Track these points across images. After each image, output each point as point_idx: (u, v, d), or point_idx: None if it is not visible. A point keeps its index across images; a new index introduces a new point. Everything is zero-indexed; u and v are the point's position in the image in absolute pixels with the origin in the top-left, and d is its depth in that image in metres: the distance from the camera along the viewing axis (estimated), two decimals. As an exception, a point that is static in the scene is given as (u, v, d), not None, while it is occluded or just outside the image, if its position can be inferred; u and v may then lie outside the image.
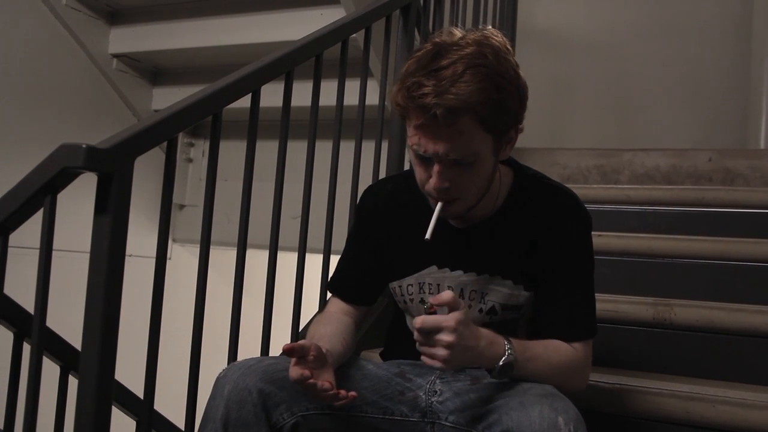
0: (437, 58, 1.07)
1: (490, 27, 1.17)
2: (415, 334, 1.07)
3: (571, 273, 1.22)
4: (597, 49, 3.82)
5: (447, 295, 1.07)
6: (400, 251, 1.30)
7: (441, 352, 1.05)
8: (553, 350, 1.19)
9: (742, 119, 3.46)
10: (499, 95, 1.07)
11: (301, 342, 1.10)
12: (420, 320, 1.06)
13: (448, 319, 1.05)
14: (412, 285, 1.30)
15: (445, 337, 1.04)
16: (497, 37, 1.13)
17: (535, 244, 1.22)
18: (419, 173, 1.16)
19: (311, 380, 1.06)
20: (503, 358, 1.10)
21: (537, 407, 1.03)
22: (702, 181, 2.74)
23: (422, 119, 1.08)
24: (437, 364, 1.06)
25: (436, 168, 1.12)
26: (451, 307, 1.06)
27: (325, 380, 1.08)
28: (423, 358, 1.08)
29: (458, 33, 1.12)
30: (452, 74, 1.05)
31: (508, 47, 1.13)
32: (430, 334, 1.05)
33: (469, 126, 1.07)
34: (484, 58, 1.07)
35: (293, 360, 1.08)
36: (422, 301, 1.29)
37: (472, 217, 1.23)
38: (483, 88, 1.05)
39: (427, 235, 1.12)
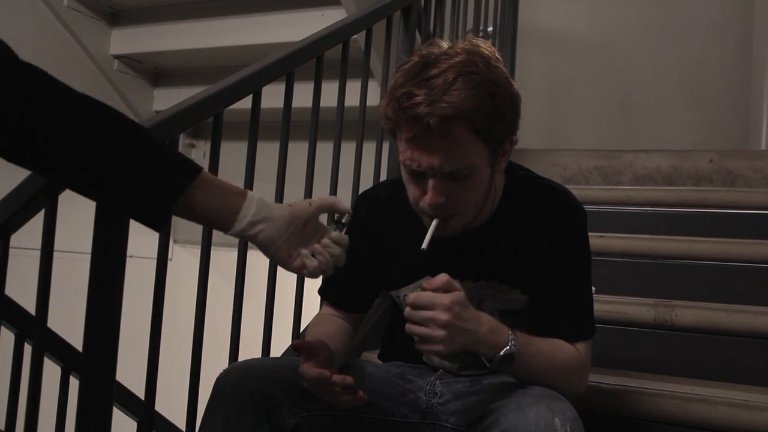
0: (426, 68, 1.04)
1: (478, 39, 1.13)
2: (406, 311, 1.03)
3: (568, 270, 1.20)
4: (598, 50, 3.83)
5: (441, 278, 1.03)
6: (394, 261, 1.27)
7: (437, 332, 1.00)
8: (558, 349, 1.16)
9: (743, 120, 3.47)
10: (493, 102, 1.04)
11: (311, 341, 1.10)
12: (414, 296, 1.02)
13: (443, 297, 1.01)
14: (408, 296, 1.29)
15: (441, 315, 1.00)
16: (486, 46, 1.10)
17: (531, 244, 1.20)
18: (412, 191, 1.12)
19: (332, 379, 1.03)
20: (505, 349, 1.07)
21: (534, 408, 1.02)
22: (703, 182, 2.75)
23: (414, 131, 1.04)
24: (435, 347, 1.02)
25: (431, 183, 1.07)
26: (446, 290, 1.03)
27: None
28: (417, 344, 1.03)
29: (445, 44, 1.09)
30: (443, 82, 1.01)
31: (498, 56, 1.11)
32: (424, 311, 1.01)
33: (464, 136, 1.04)
34: (475, 65, 1.04)
35: (303, 358, 1.07)
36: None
37: (467, 225, 1.21)
38: (477, 94, 1.02)
39: (423, 245, 1.08)
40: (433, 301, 1.01)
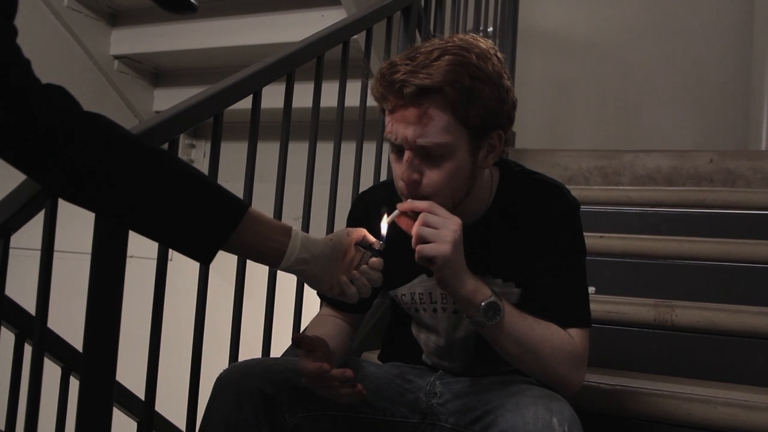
0: (417, 48, 1.08)
1: (480, 37, 1.15)
2: (421, 215, 1.05)
3: (560, 260, 1.19)
4: (598, 50, 3.83)
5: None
6: (390, 261, 1.28)
7: (448, 233, 1.03)
8: (548, 326, 1.14)
9: (743, 120, 3.47)
10: (472, 83, 1.05)
11: (311, 336, 1.10)
12: (429, 204, 1.06)
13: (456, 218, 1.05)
14: (405, 295, 1.29)
15: (453, 224, 1.04)
16: (485, 42, 1.11)
17: (525, 238, 1.20)
18: (395, 171, 1.13)
19: (331, 373, 1.03)
20: (489, 297, 1.08)
21: (531, 408, 1.02)
22: (703, 183, 2.75)
23: (394, 102, 1.06)
24: (442, 246, 1.03)
25: (405, 157, 1.07)
26: None
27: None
28: (420, 246, 1.05)
29: (447, 37, 1.12)
30: (425, 58, 1.04)
31: (498, 54, 1.11)
32: (437, 217, 1.05)
33: (439, 109, 1.04)
34: (465, 50, 1.06)
35: (301, 353, 1.07)
36: (416, 310, 1.28)
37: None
38: (454, 71, 1.03)
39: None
40: (446, 216, 1.05)
